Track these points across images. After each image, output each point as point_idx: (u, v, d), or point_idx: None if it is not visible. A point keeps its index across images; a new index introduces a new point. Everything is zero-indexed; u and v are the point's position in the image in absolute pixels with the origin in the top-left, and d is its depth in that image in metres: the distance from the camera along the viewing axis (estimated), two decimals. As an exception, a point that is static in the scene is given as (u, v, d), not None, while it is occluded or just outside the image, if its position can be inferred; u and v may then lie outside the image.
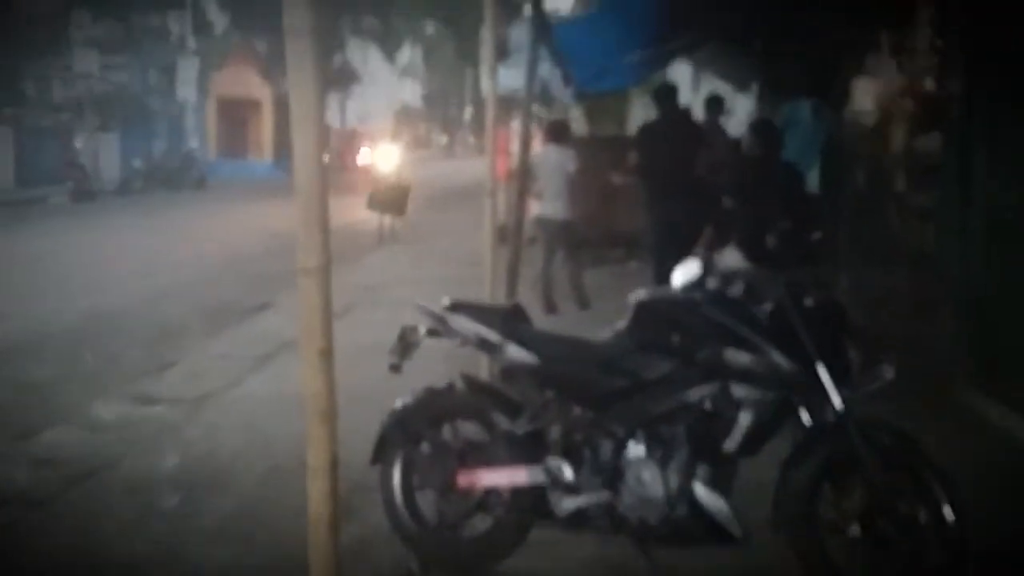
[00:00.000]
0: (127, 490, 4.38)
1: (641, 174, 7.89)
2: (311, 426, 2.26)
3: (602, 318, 3.60)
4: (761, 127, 6.09)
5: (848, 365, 3.03)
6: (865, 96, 8.46)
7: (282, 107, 30.13)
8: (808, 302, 3.07)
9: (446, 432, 3.42)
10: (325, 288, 2.20)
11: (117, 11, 29.74)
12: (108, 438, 5.20)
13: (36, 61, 27.53)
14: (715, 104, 10.75)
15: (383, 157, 23.41)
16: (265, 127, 37.00)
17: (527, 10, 8.13)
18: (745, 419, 3.00)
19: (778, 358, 2.96)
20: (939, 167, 6.11)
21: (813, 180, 8.02)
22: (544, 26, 7.27)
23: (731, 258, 3.19)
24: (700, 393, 3.04)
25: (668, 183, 7.19)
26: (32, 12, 25.84)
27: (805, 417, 3.01)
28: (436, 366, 4.14)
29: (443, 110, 63.60)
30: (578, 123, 15.75)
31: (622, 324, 3.25)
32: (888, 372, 3.03)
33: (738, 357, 2.98)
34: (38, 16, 26.23)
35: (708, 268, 3.13)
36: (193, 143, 34.47)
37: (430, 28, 44.64)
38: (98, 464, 4.73)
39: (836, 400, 2.92)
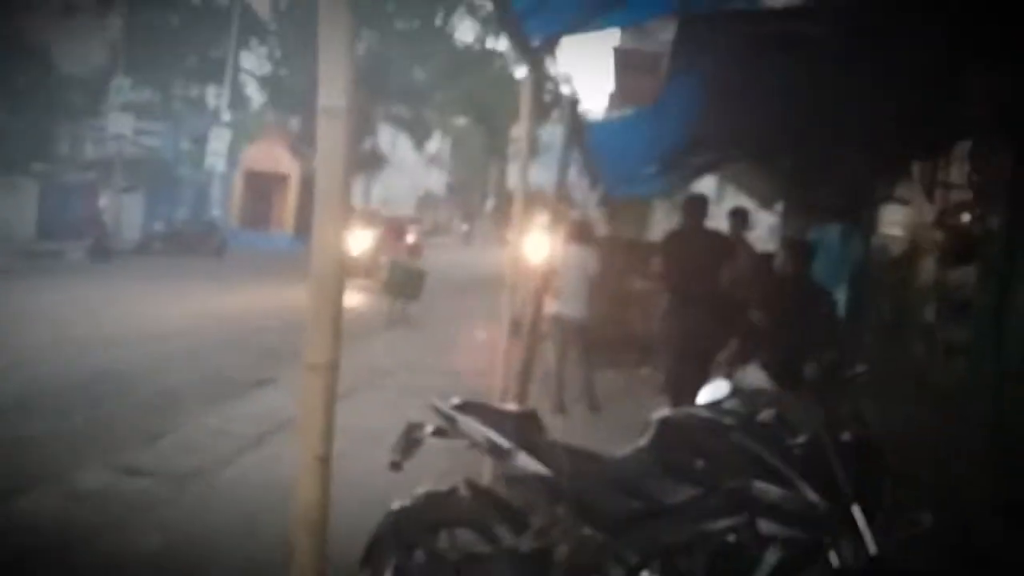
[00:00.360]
0: (98, 568, 4.11)
1: (664, 282, 7.76)
2: (298, 535, 2.03)
3: (612, 422, 3.39)
4: (796, 246, 5.98)
5: (884, 508, 2.81)
6: (895, 224, 8.37)
7: (308, 184, 30.47)
8: (845, 437, 2.87)
9: (444, 541, 3.17)
10: (330, 387, 2.03)
11: (157, 79, 30.46)
12: (86, 509, 4.95)
13: (72, 120, 28.07)
14: (740, 217, 10.68)
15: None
16: (290, 201, 37.36)
17: (558, 111, 8.17)
18: (771, 557, 2.76)
19: (811, 495, 2.74)
20: (971, 302, 5.94)
21: (838, 305, 7.86)
22: (578, 127, 7.28)
23: (755, 377, 3.02)
24: (724, 525, 2.80)
25: (692, 293, 7.04)
26: (73, 73, 26.46)
27: (835, 561, 2.78)
28: (439, 462, 3.91)
29: (465, 199, 64.44)
30: (599, 223, 15.77)
31: (643, 442, 3.04)
32: (926, 519, 2.81)
33: (768, 490, 2.76)
34: (79, 78, 26.86)
35: (735, 387, 2.95)
36: (217, 211, 34.77)
37: (461, 121, 45.51)
38: (72, 537, 4.47)
39: (870, 545, 2.70)
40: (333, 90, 2.05)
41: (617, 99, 18.60)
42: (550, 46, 5.29)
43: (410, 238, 24.27)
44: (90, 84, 27.66)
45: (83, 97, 27.54)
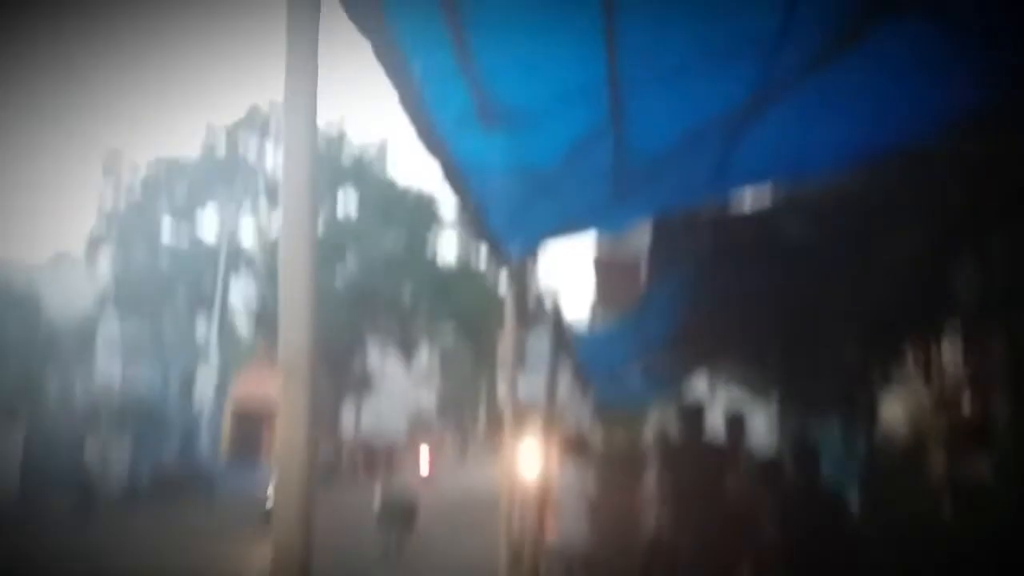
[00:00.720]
0: None
1: (662, 501, 7.40)
2: None
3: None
4: (803, 457, 5.75)
5: None
6: (895, 413, 8.14)
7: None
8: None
9: None
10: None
11: (146, 321, 30.85)
12: None
13: (61, 367, 28.14)
14: (737, 425, 10.42)
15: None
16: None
17: (544, 319, 8.15)
18: None
19: None
20: (988, 494, 5.63)
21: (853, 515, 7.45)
22: (564, 339, 7.20)
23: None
24: None
25: (694, 511, 6.69)
26: (62, 320, 26.80)
27: None
28: None
29: (457, 415, 63.91)
30: (593, 436, 15.45)
31: None
32: None
33: None
34: (68, 325, 27.18)
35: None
36: (205, 447, 34.17)
37: (449, 335, 46.04)
38: None
39: None
40: (298, 84, 1.82)
41: (599, 309, 18.81)
42: (530, 259, 5.28)
43: (423, 470, 23.66)
44: (79, 330, 27.97)
45: (72, 343, 27.75)
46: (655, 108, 3.36)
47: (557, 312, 6.88)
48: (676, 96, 3.28)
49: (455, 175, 3.34)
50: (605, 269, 16.85)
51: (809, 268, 5.36)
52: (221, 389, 34.61)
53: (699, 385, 17.49)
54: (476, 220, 4.09)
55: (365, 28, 2.13)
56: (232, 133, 27.74)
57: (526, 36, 2.67)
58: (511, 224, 4.19)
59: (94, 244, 27.68)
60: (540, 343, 9.51)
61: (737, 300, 6.34)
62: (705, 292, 6.33)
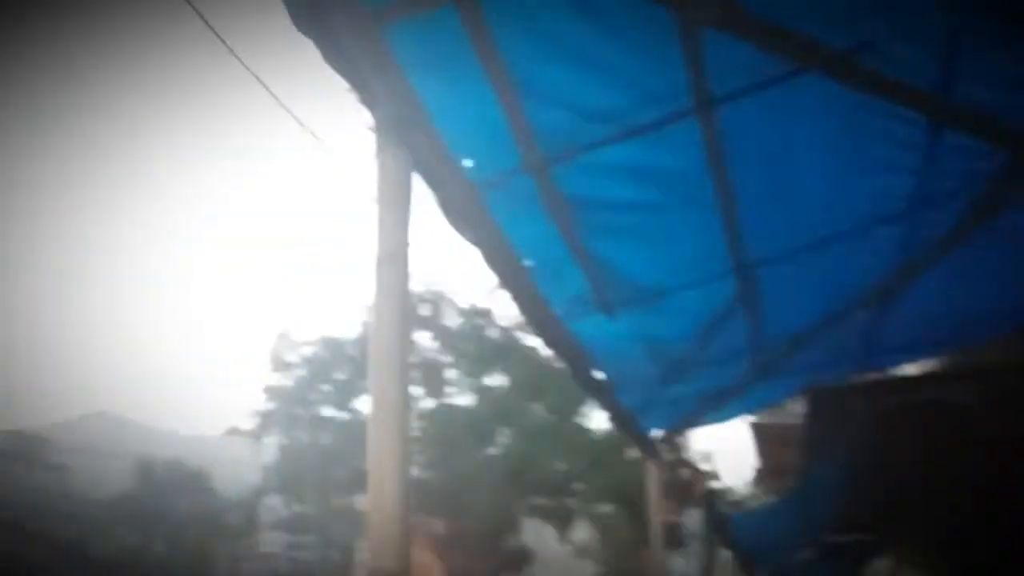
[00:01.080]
0: None
1: None
2: None
3: None
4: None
5: None
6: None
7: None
8: None
9: None
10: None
11: (307, 487, 31.68)
12: None
13: (229, 542, 29.08)
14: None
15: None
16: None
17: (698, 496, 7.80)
18: None
19: None
20: None
21: None
22: (718, 518, 6.86)
23: None
24: None
25: None
26: (229, 496, 27.86)
27: None
28: None
29: (620, 592, 61.05)
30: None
31: None
32: None
33: None
34: (234, 500, 28.25)
35: None
36: (362, 624, 33.92)
37: (606, 509, 44.76)
38: None
39: None
40: (391, 239, 1.88)
41: (763, 474, 17.90)
42: (673, 437, 5.11)
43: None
44: (244, 505, 28.98)
45: (239, 518, 28.74)
46: (790, 286, 3.24)
47: (710, 492, 6.58)
48: (810, 273, 3.16)
49: (579, 360, 3.29)
50: (764, 434, 16.12)
51: (978, 436, 4.90)
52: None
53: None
54: (610, 403, 4.00)
55: (476, 239, 2.17)
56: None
57: (647, 220, 2.66)
58: (646, 406, 4.08)
59: (260, 419, 29.06)
60: (696, 521, 9.07)
61: (902, 475, 5.84)
62: (866, 466, 5.88)
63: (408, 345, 1.80)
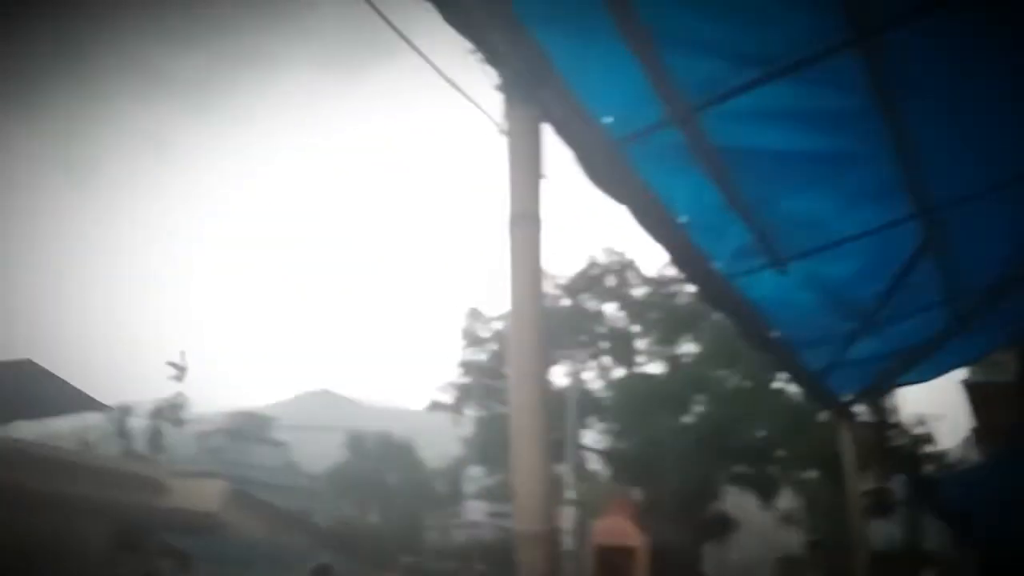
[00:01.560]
0: None
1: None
2: None
3: None
4: None
5: None
6: None
7: (655, 555, 29.65)
8: None
9: None
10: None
11: (503, 458, 32.54)
12: None
13: (437, 511, 30.35)
14: None
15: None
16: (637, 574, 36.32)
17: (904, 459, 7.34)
18: None
19: None
20: None
21: None
22: (927, 481, 6.42)
23: None
24: None
25: None
26: (435, 467, 29.01)
27: None
28: None
29: (829, 558, 58.79)
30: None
31: None
32: None
33: None
34: (440, 470, 29.37)
35: None
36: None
37: (810, 475, 43.12)
38: None
39: None
40: (523, 199, 1.90)
41: (979, 435, 16.65)
42: (873, 399, 4.82)
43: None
44: (448, 475, 30.13)
45: (444, 487, 29.92)
46: (985, 231, 2.94)
47: (915, 458, 6.16)
48: (1008, 214, 2.85)
49: (749, 318, 3.14)
50: (978, 394, 14.97)
51: None
52: (580, 529, 35.07)
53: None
54: (789, 364, 3.81)
55: (623, 197, 2.10)
56: (573, 285, 29.18)
57: (812, 166, 2.48)
58: (832, 366, 3.84)
59: (458, 392, 30.03)
60: (900, 485, 8.56)
61: None
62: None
63: (541, 307, 1.77)
